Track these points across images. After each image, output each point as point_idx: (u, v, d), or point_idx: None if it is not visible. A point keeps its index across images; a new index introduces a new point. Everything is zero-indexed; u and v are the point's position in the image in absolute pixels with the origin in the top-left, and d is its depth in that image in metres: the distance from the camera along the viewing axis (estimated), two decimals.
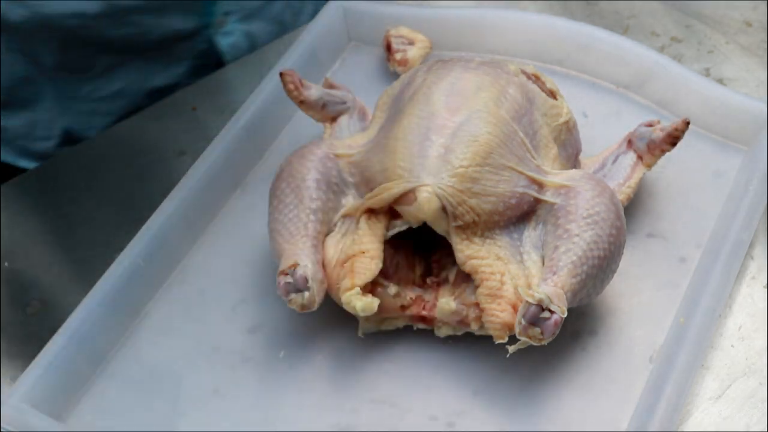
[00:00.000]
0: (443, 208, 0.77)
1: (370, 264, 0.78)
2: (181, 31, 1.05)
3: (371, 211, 0.80)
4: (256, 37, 1.11)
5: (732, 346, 0.81)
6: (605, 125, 0.93)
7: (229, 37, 1.08)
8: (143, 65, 1.06)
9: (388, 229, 0.80)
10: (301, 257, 0.78)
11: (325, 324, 0.82)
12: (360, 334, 0.80)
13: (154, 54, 1.05)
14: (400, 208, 0.79)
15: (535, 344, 0.74)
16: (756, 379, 0.79)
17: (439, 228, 0.78)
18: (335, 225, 0.82)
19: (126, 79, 1.06)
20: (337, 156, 0.83)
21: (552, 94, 0.86)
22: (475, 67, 0.84)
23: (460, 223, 0.78)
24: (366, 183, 0.81)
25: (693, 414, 0.77)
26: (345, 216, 0.82)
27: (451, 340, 0.80)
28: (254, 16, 1.10)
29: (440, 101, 0.81)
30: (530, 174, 0.79)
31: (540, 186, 0.80)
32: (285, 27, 1.13)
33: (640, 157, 0.86)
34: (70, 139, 1.08)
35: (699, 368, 0.79)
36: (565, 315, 0.73)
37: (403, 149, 0.79)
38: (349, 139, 0.85)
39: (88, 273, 0.88)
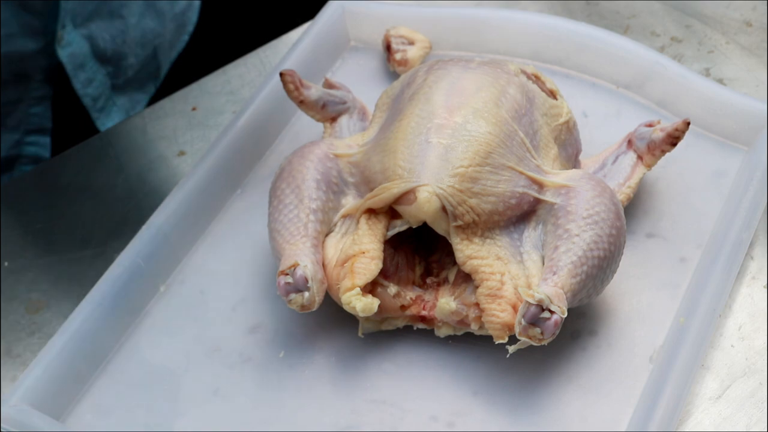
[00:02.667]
0: (443, 208, 0.77)
1: (370, 264, 0.78)
2: (27, 52, 1.05)
3: (371, 211, 0.80)
4: (96, 38, 1.10)
5: (732, 346, 0.81)
6: (605, 125, 0.93)
7: (67, 48, 1.08)
8: None
9: (388, 229, 0.80)
10: (301, 257, 0.78)
11: (325, 324, 0.82)
12: (360, 334, 0.80)
13: (3, 76, 1.05)
14: (400, 208, 0.79)
15: (535, 344, 0.74)
16: (756, 379, 0.79)
17: (439, 228, 0.78)
18: (335, 225, 0.82)
19: None
20: (337, 156, 0.83)
21: (552, 94, 0.86)
22: (475, 67, 0.84)
23: (460, 223, 0.78)
24: (366, 183, 0.81)
25: (693, 414, 0.77)
26: (345, 216, 0.82)
27: (451, 340, 0.80)
28: (91, 18, 1.10)
29: (440, 101, 0.81)
30: (530, 174, 0.79)
31: (540, 186, 0.80)
32: (127, 22, 1.13)
33: (640, 158, 0.86)
34: None
35: (699, 368, 0.79)
36: (565, 315, 0.73)
37: (403, 149, 0.79)
38: (349, 139, 0.85)
39: (88, 273, 0.88)
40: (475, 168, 0.78)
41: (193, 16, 1.21)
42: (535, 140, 0.82)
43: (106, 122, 1.13)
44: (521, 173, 0.79)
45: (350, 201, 0.82)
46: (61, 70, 1.09)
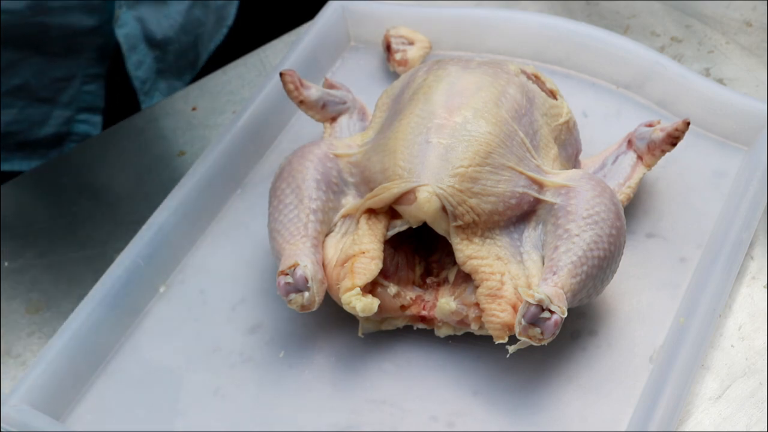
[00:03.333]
0: (443, 208, 0.77)
1: (370, 264, 0.78)
2: (83, 28, 1.06)
3: (371, 211, 0.80)
4: (147, 20, 1.11)
5: (732, 346, 0.81)
6: (605, 125, 0.93)
7: (123, 27, 1.09)
8: (44, 60, 1.06)
9: (388, 229, 0.80)
10: (301, 257, 0.78)
11: (325, 324, 0.82)
12: (360, 334, 0.80)
13: (55, 48, 1.06)
14: (400, 208, 0.79)
15: (535, 344, 0.74)
16: (756, 379, 0.79)
17: (439, 228, 0.78)
18: (335, 225, 0.82)
19: (26, 73, 1.06)
20: (337, 156, 0.83)
21: (552, 94, 0.86)
22: (475, 67, 0.84)
23: (460, 223, 0.78)
24: (366, 183, 0.81)
25: (693, 414, 0.77)
26: (345, 216, 0.82)
27: (451, 340, 0.80)
28: (141, 0, 1.11)
29: (440, 101, 0.81)
30: (530, 174, 0.79)
31: (540, 186, 0.80)
32: (174, 8, 1.14)
33: (640, 158, 0.86)
34: None
35: (699, 368, 0.79)
36: (565, 315, 0.73)
37: (403, 149, 0.79)
38: (349, 139, 0.85)
39: (88, 273, 0.88)
40: (475, 168, 0.78)
41: (232, 10, 1.21)
42: (535, 140, 0.82)
43: (149, 105, 1.13)
44: (521, 173, 0.79)
45: (350, 201, 0.82)
46: (114, 50, 1.10)
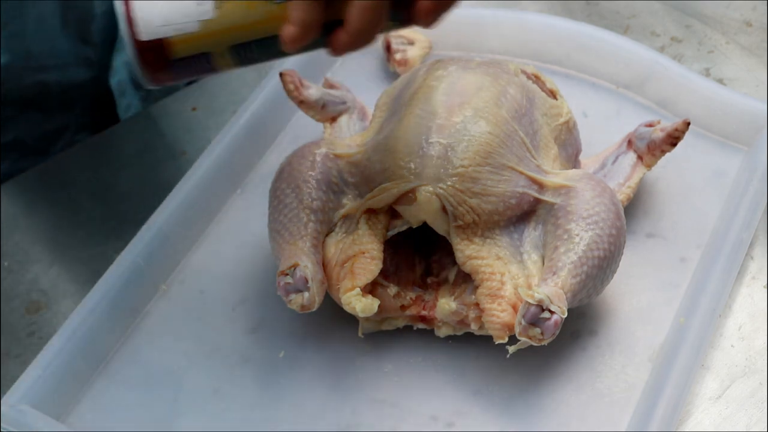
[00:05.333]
0: (443, 208, 0.77)
1: (370, 264, 0.78)
2: (79, 82, 1.06)
3: (371, 211, 0.80)
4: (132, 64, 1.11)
5: (732, 346, 0.81)
6: (605, 125, 0.93)
7: (115, 76, 1.09)
8: (40, 115, 1.06)
9: (388, 229, 0.80)
10: (301, 257, 0.78)
11: (325, 324, 0.82)
12: (360, 334, 0.80)
13: (52, 104, 1.06)
14: (400, 208, 0.79)
15: (535, 344, 0.74)
16: (756, 379, 0.79)
17: (439, 228, 0.78)
18: (335, 225, 0.82)
19: (22, 130, 1.06)
20: (337, 156, 0.83)
21: (552, 94, 0.86)
22: (475, 67, 0.84)
23: (460, 223, 0.77)
24: (366, 183, 0.81)
25: (693, 414, 0.77)
26: (345, 216, 0.81)
27: (451, 340, 0.80)
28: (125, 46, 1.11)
29: (440, 101, 0.81)
30: (530, 174, 0.79)
31: (540, 186, 0.80)
32: None
33: (640, 158, 0.86)
34: None
35: (699, 368, 0.79)
36: (565, 315, 0.73)
37: (404, 149, 0.79)
38: (349, 139, 0.85)
39: (88, 273, 0.88)
40: (476, 168, 0.78)
41: None
42: (535, 140, 0.82)
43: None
44: (521, 173, 0.79)
45: (350, 201, 0.82)
46: (105, 98, 1.10)
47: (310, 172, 0.81)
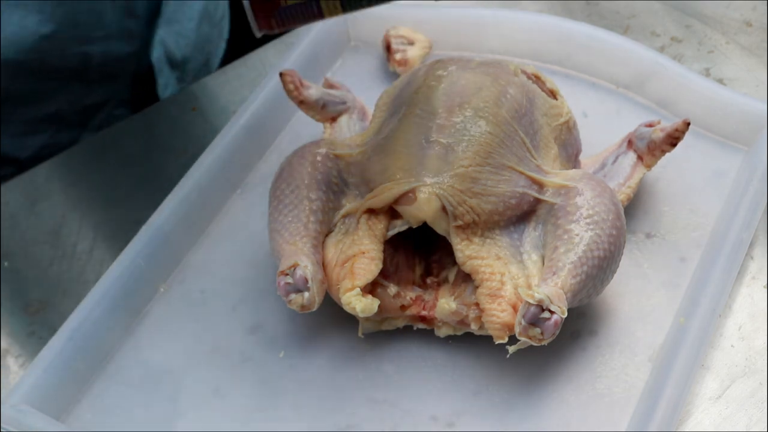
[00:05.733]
0: (443, 208, 0.77)
1: (370, 265, 0.78)
2: (121, 55, 1.06)
3: (371, 211, 0.80)
4: (167, 42, 1.12)
5: (732, 346, 0.81)
6: (605, 125, 0.93)
7: (154, 51, 1.10)
8: (81, 87, 1.07)
9: (388, 229, 0.80)
10: (301, 257, 0.78)
11: (325, 324, 0.82)
12: (360, 334, 0.80)
13: (94, 75, 1.06)
14: (400, 208, 0.79)
15: (535, 344, 0.74)
16: (756, 379, 0.79)
17: (439, 228, 0.78)
18: (335, 225, 0.82)
19: (64, 101, 1.06)
20: (337, 156, 0.83)
21: (552, 94, 0.86)
22: (475, 67, 0.84)
23: (460, 223, 0.77)
24: (366, 183, 0.81)
25: (693, 414, 0.77)
26: (345, 216, 0.81)
27: (451, 340, 0.80)
28: (161, 22, 1.12)
29: (440, 101, 0.81)
30: (530, 174, 0.79)
31: (540, 186, 0.80)
32: (185, 26, 1.14)
33: (640, 158, 0.86)
34: (1, 160, 1.08)
35: (699, 368, 0.79)
36: (565, 315, 0.73)
37: (403, 149, 0.79)
38: (349, 139, 0.85)
39: (88, 273, 0.88)
40: (476, 168, 0.78)
41: (226, 23, 1.21)
42: (535, 140, 0.82)
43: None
44: (521, 173, 0.79)
45: (350, 201, 0.82)
46: (146, 74, 1.10)
47: (310, 172, 0.82)
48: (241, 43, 1.21)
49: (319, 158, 0.82)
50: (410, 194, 0.78)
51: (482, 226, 0.78)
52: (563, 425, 0.76)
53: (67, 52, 1.02)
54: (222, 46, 1.21)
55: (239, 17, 1.24)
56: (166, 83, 1.12)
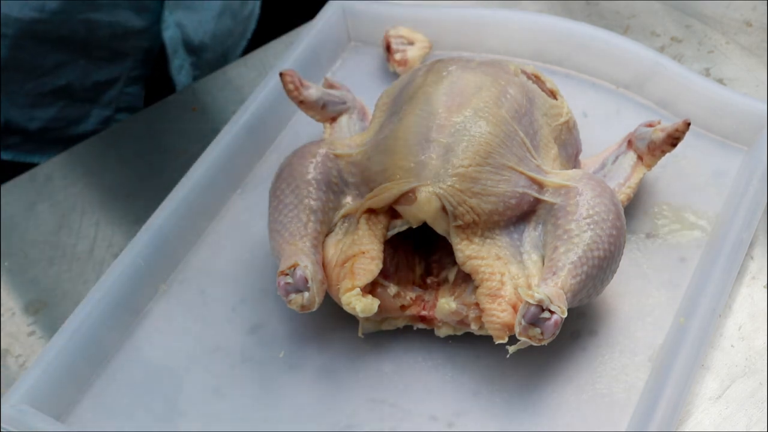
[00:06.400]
0: (443, 208, 0.77)
1: (370, 264, 0.78)
2: (132, 28, 1.06)
3: (371, 211, 0.80)
4: (185, 26, 1.11)
5: (732, 346, 0.81)
6: (605, 125, 0.93)
7: (167, 30, 1.09)
8: (89, 62, 1.07)
9: (388, 229, 0.80)
10: (301, 257, 0.78)
11: (325, 324, 0.82)
12: (360, 334, 0.80)
13: (102, 52, 1.06)
14: (400, 208, 0.79)
15: (535, 344, 0.74)
16: (756, 379, 0.79)
17: (439, 228, 0.78)
18: (335, 225, 0.82)
19: (71, 75, 1.06)
20: (337, 156, 0.83)
21: (552, 94, 0.86)
22: (475, 66, 0.84)
23: (460, 223, 0.77)
24: (366, 183, 0.81)
25: (693, 414, 0.77)
26: (345, 216, 0.82)
27: (451, 340, 0.80)
28: (178, 5, 1.11)
29: (440, 101, 0.81)
30: (530, 174, 0.79)
31: (540, 186, 0.80)
32: (206, 15, 1.14)
33: (640, 158, 0.86)
34: (9, 129, 1.08)
35: (699, 368, 0.79)
36: (565, 315, 0.73)
37: (403, 149, 0.79)
38: (349, 140, 0.85)
39: (88, 273, 0.88)
40: (476, 168, 0.78)
41: (252, 23, 1.21)
42: (535, 140, 0.82)
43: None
44: (521, 173, 0.79)
45: (350, 201, 0.82)
46: (158, 53, 1.10)
47: (310, 172, 0.82)
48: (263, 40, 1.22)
49: (319, 158, 0.82)
50: (410, 194, 0.78)
51: (482, 226, 0.78)
52: (563, 425, 0.76)
53: (72, 19, 1.02)
54: (243, 45, 1.21)
55: (269, 18, 1.24)
56: (181, 65, 1.11)
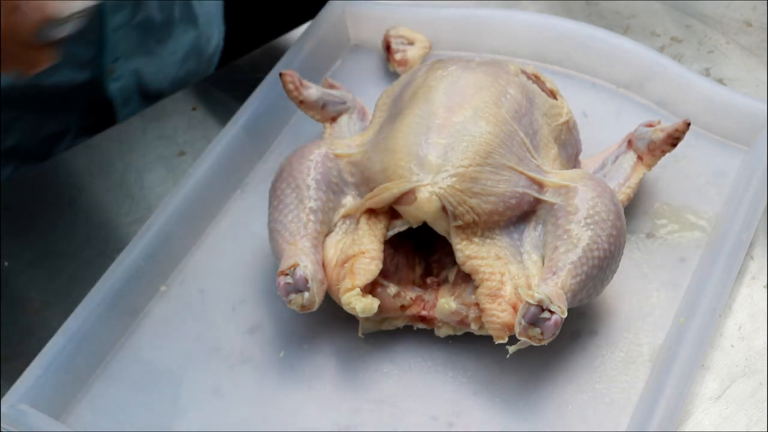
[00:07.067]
0: (443, 208, 0.77)
1: (370, 265, 0.78)
2: (74, 83, 1.05)
3: (371, 211, 0.80)
4: (143, 73, 1.10)
5: (732, 346, 0.81)
6: (605, 125, 0.93)
7: (119, 81, 1.08)
8: (37, 118, 1.06)
9: (388, 229, 0.80)
10: (301, 257, 0.78)
11: (325, 324, 0.82)
12: (360, 334, 0.80)
13: (48, 107, 1.05)
14: (400, 208, 0.79)
15: (535, 344, 0.74)
16: (756, 379, 0.79)
17: (439, 228, 0.78)
18: (335, 225, 0.82)
19: (20, 134, 1.05)
20: (337, 156, 0.83)
21: (552, 94, 0.86)
22: (475, 67, 0.84)
23: (460, 222, 0.77)
24: (366, 183, 0.81)
25: (693, 414, 0.77)
26: (345, 216, 0.82)
27: (451, 340, 0.80)
28: (137, 53, 1.10)
29: (440, 101, 0.81)
30: (530, 174, 0.79)
31: (540, 186, 0.80)
32: (168, 60, 1.13)
33: (640, 158, 0.86)
34: None
35: (699, 368, 0.79)
36: (565, 315, 0.73)
37: (404, 149, 0.79)
38: (349, 140, 0.85)
39: (88, 273, 0.88)
40: (476, 168, 0.78)
41: (216, 57, 1.20)
42: (535, 140, 0.82)
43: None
44: (521, 173, 0.79)
45: (350, 201, 0.82)
46: (107, 103, 1.09)
47: (310, 172, 0.82)
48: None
49: (319, 158, 0.82)
50: (410, 194, 0.78)
51: (482, 226, 0.78)
52: (563, 425, 0.76)
53: (16, 82, 1.01)
54: (208, 71, 1.19)
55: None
56: (131, 112, 1.09)
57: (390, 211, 0.80)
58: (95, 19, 1.03)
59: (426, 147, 0.79)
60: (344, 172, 0.82)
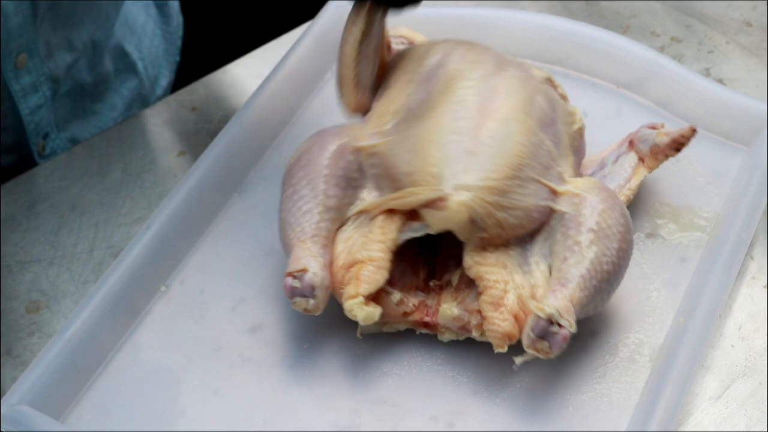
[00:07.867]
0: (472, 219, 0.76)
1: (376, 274, 0.77)
2: (3, 168, 1.03)
3: (389, 210, 0.78)
4: (79, 138, 1.08)
5: (732, 346, 0.81)
6: (605, 125, 0.93)
7: (50, 156, 1.05)
8: None
9: (401, 230, 0.78)
10: (311, 263, 0.76)
11: (326, 324, 0.82)
12: (359, 335, 0.80)
13: None
14: (425, 212, 0.77)
15: (542, 357, 0.74)
16: (756, 379, 0.79)
17: (462, 235, 0.77)
18: (348, 219, 0.80)
19: None
20: (358, 149, 0.81)
21: (564, 100, 0.85)
22: (504, 66, 0.83)
23: (485, 234, 0.76)
24: (388, 179, 0.79)
25: (693, 414, 0.77)
26: (361, 212, 0.80)
27: (452, 341, 0.80)
28: (72, 119, 1.08)
29: (473, 104, 0.79)
30: (551, 185, 0.78)
31: (555, 194, 0.78)
32: (108, 116, 1.11)
33: (641, 159, 0.86)
34: None
35: (699, 368, 0.79)
36: (575, 330, 0.73)
37: (435, 153, 0.77)
38: (371, 124, 0.82)
39: (88, 273, 0.88)
40: (506, 181, 0.76)
41: (168, 92, 1.17)
42: (559, 149, 0.81)
43: None
44: (544, 185, 0.78)
45: (367, 194, 0.80)
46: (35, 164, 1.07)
47: (329, 168, 0.80)
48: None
49: (339, 152, 0.80)
50: (440, 202, 0.76)
51: (504, 237, 0.77)
52: (563, 425, 0.76)
53: None
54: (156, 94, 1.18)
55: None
56: (53, 148, 1.07)
57: (407, 212, 0.78)
58: (5, 103, 1.00)
59: (459, 155, 0.77)
60: (365, 164, 0.80)
